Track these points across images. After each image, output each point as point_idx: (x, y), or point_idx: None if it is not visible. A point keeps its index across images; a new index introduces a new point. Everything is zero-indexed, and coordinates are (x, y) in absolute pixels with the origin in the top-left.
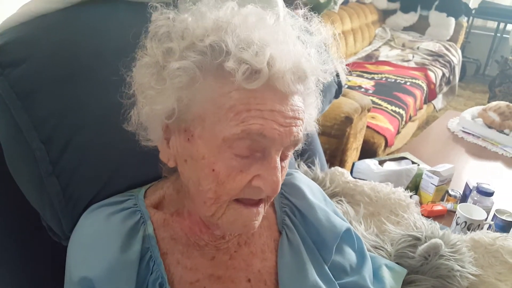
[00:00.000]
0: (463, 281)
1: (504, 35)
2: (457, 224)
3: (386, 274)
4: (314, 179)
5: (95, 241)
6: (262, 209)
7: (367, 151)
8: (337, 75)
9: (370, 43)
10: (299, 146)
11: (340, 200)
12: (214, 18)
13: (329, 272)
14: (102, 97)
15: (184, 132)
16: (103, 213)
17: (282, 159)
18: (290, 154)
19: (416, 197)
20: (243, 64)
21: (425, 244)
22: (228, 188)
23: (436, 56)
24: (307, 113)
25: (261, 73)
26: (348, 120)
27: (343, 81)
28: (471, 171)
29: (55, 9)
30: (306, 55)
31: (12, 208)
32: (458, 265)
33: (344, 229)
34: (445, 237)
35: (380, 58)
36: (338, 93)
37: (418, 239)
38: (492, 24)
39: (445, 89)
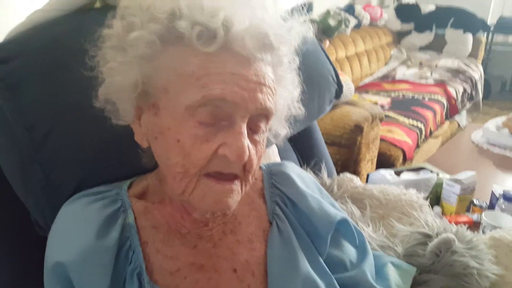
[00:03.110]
0: (482, 280)
1: None
2: (483, 233)
3: (391, 271)
4: (321, 185)
5: (72, 227)
6: (237, 187)
7: (384, 164)
8: (336, 76)
9: (386, 64)
10: (283, 135)
11: (345, 201)
12: None
13: (324, 264)
14: (82, 88)
15: (153, 107)
16: (84, 201)
17: (254, 131)
18: (264, 127)
19: (438, 209)
20: (196, 25)
21: (436, 240)
22: (194, 159)
23: (456, 72)
24: (284, 88)
25: (216, 35)
26: (357, 129)
27: (345, 86)
28: (498, 182)
29: (53, 18)
30: (267, 20)
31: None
32: (475, 261)
33: (339, 218)
34: (459, 234)
35: (397, 77)
36: (339, 93)
37: (428, 236)
38: None
39: (468, 105)
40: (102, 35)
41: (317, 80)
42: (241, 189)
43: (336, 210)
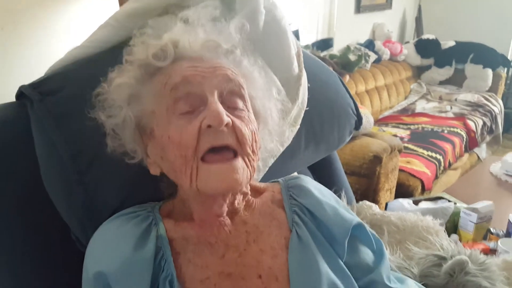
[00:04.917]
0: None
1: None
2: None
3: (411, 283)
4: None
5: (110, 241)
6: (238, 162)
7: (402, 193)
8: (356, 108)
9: (405, 98)
10: (287, 134)
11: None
12: None
13: (344, 267)
14: None
15: (150, 135)
16: (120, 219)
17: (234, 108)
18: (241, 104)
19: (455, 236)
20: (149, 47)
21: (450, 261)
22: (185, 141)
23: (476, 106)
24: (257, 88)
25: (168, 50)
26: (377, 159)
27: (364, 119)
28: None
29: (92, 54)
30: (208, 30)
31: (45, 225)
32: (488, 282)
33: (354, 223)
34: (472, 256)
35: (417, 111)
36: (358, 124)
37: (443, 258)
38: None
39: (488, 138)
40: (95, 93)
41: (337, 112)
42: (246, 164)
43: (351, 215)
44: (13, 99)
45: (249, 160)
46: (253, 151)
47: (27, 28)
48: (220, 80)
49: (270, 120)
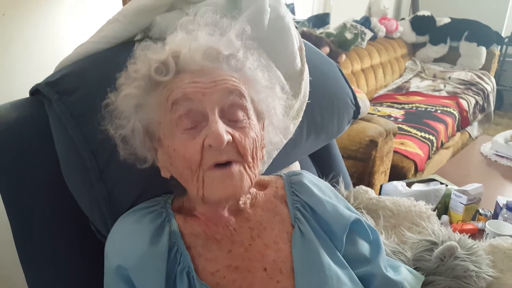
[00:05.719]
0: (479, 281)
1: None
2: (487, 240)
3: (404, 270)
4: None
5: (128, 236)
6: (237, 168)
7: (396, 175)
8: (354, 98)
9: (400, 76)
10: (291, 129)
11: (361, 212)
12: None
13: (343, 259)
14: None
15: (159, 142)
16: (136, 214)
17: (235, 121)
18: (242, 115)
19: (446, 217)
20: (151, 62)
21: (441, 247)
22: (188, 156)
23: (469, 84)
24: (260, 90)
25: (169, 65)
26: (372, 144)
27: (361, 104)
28: (504, 192)
29: (102, 49)
30: (208, 38)
31: (67, 218)
32: (474, 265)
33: (352, 219)
34: (461, 242)
35: (411, 89)
36: (356, 114)
37: (434, 243)
38: None
39: (479, 116)
40: (104, 105)
41: (337, 104)
42: (246, 170)
43: (350, 212)
44: (16, 83)
45: (249, 168)
46: (253, 158)
47: (28, 13)
48: (221, 95)
49: (274, 118)
